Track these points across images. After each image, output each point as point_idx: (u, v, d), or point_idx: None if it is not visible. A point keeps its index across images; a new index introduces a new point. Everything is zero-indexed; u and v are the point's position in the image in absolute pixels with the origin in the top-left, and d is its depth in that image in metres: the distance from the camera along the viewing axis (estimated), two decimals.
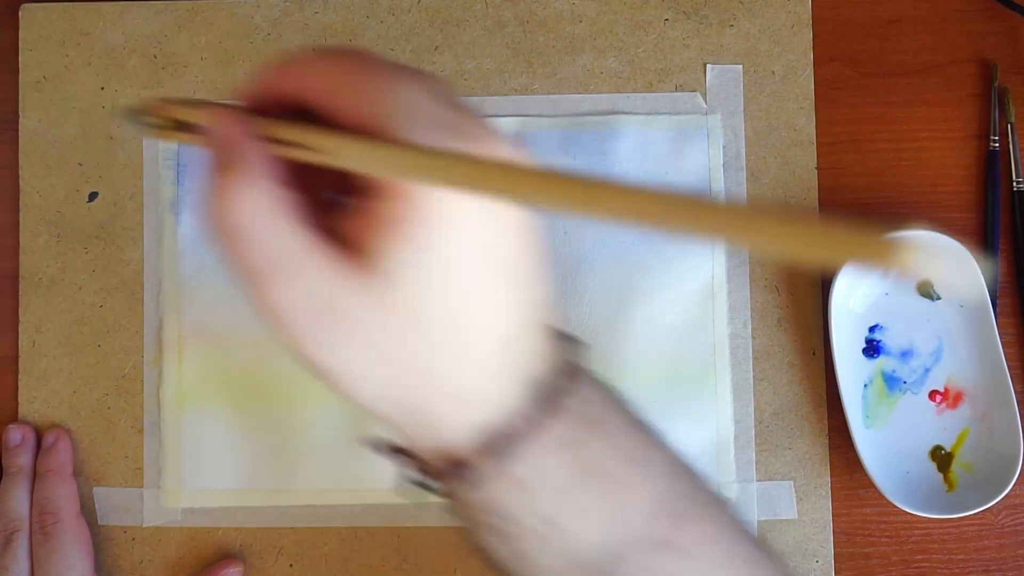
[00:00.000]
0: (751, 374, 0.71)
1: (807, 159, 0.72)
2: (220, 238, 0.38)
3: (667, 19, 0.73)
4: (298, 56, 0.39)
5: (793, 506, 0.70)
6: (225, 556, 0.70)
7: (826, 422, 0.71)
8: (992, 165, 0.72)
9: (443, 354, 0.40)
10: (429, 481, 0.43)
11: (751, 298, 0.71)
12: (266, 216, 0.37)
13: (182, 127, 0.42)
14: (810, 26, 0.73)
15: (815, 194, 0.72)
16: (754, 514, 0.70)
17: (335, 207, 0.39)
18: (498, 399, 0.41)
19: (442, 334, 0.39)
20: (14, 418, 0.71)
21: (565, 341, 0.44)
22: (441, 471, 0.42)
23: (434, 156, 0.35)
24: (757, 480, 0.70)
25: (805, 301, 0.71)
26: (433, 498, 0.43)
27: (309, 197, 0.40)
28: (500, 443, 0.41)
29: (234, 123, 0.39)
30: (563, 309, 0.71)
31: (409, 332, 0.39)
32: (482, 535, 0.43)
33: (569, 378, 0.42)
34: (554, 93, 0.73)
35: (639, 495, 0.42)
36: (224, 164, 0.38)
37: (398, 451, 0.44)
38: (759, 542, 0.46)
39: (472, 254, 0.39)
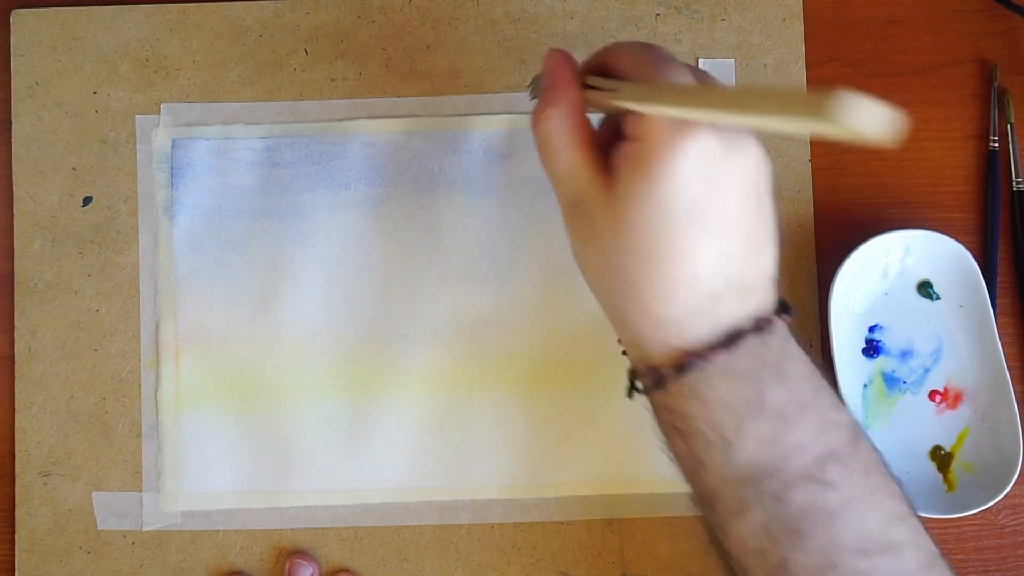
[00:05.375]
0: None
1: (800, 152, 0.72)
2: (536, 141, 0.54)
3: (658, 14, 0.72)
4: (613, 45, 0.55)
5: None
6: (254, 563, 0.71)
7: None
8: (992, 165, 0.71)
9: (651, 283, 0.50)
10: (636, 381, 0.55)
11: None
12: (562, 134, 0.52)
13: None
14: (801, 19, 0.72)
15: (809, 186, 0.72)
16: None
17: (614, 146, 0.52)
18: (689, 331, 0.51)
19: (653, 265, 0.50)
20: (11, 422, 0.71)
21: (768, 300, 0.53)
22: (641, 373, 0.53)
23: (672, 89, 0.49)
24: None
25: (801, 294, 0.71)
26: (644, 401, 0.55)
27: (602, 135, 0.54)
28: (685, 361, 0.51)
29: (562, 70, 0.54)
30: (558, 304, 0.70)
31: (630, 251, 0.50)
32: (668, 435, 0.53)
33: (757, 328, 0.51)
34: None
35: (800, 432, 0.50)
36: (548, 95, 0.53)
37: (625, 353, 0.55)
38: (904, 496, 0.53)
39: (686, 204, 0.48)
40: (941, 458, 0.69)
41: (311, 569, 0.70)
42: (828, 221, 0.72)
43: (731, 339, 0.51)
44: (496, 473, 0.71)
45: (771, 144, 0.71)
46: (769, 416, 0.50)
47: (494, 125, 0.72)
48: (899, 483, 0.53)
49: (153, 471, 0.71)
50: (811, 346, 0.70)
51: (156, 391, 0.71)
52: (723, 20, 0.72)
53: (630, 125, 0.49)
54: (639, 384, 0.55)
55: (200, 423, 0.71)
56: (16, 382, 0.72)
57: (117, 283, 0.72)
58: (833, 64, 0.73)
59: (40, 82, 0.73)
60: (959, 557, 0.70)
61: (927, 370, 0.70)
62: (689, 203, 0.48)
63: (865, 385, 0.70)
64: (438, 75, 0.72)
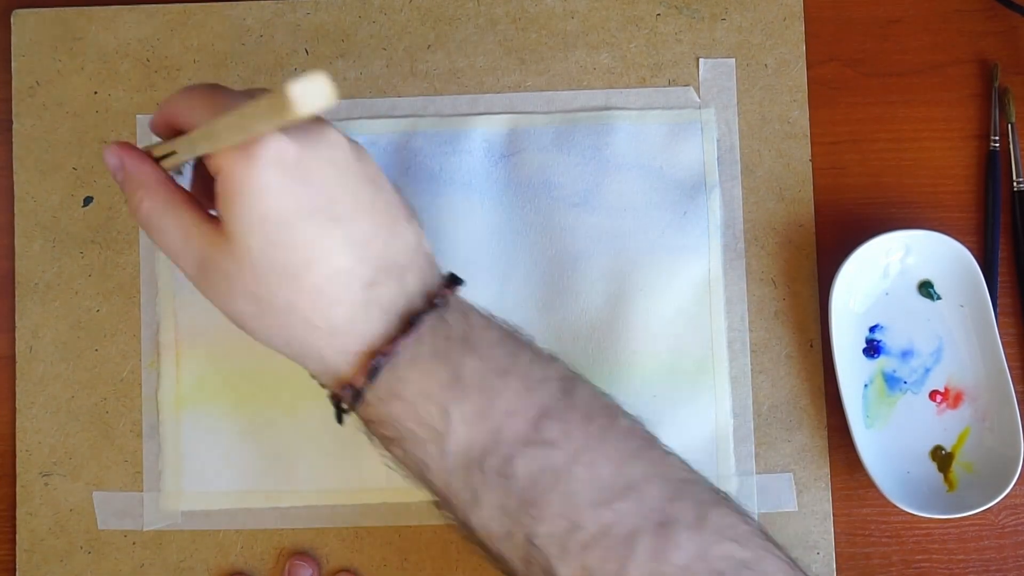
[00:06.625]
0: (749, 367, 0.71)
1: (801, 151, 0.72)
2: (143, 230, 0.54)
3: (659, 14, 0.72)
4: (170, 96, 0.53)
5: (793, 499, 0.70)
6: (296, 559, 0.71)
7: (824, 414, 0.70)
8: (992, 165, 0.71)
9: (305, 295, 0.49)
10: (341, 405, 0.53)
11: (747, 291, 0.71)
12: (158, 209, 0.52)
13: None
14: (802, 19, 0.72)
15: (810, 186, 0.72)
16: (755, 507, 0.70)
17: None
18: (364, 328, 0.50)
19: (297, 278, 0.49)
20: (11, 422, 0.72)
21: (433, 276, 0.53)
22: (339, 394, 0.52)
23: (201, 131, 0.49)
24: (757, 473, 0.70)
25: (801, 293, 0.71)
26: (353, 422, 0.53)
27: (200, 191, 0.55)
28: (372, 363, 0.50)
29: (128, 157, 0.54)
30: (559, 303, 0.70)
31: (270, 278, 0.49)
32: (387, 447, 0.52)
33: (431, 306, 0.51)
34: (547, 90, 0.72)
35: (505, 399, 0.50)
36: (128, 184, 0.53)
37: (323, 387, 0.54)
38: (638, 431, 0.53)
39: (290, 207, 0.48)
40: (942, 458, 0.69)
41: (311, 569, 0.70)
42: (828, 221, 0.72)
43: (409, 323, 0.50)
44: None
45: (772, 145, 0.71)
46: (471, 392, 0.50)
47: (495, 125, 0.72)
48: (633, 418, 0.53)
49: (154, 471, 0.71)
50: (811, 346, 0.71)
51: (157, 391, 0.71)
52: (723, 20, 0.72)
53: (210, 165, 0.49)
54: (345, 406, 0.53)
55: (201, 423, 0.71)
56: (17, 382, 0.72)
57: (118, 283, 0.72)
58: (833, 64, 0.72)
59: (41, 82, 0.73)
60: (960, 557, 0.70)
61: (928, 370, 0.70)
62: (291, 205, 0.48)
63: (866, 385, 0.70)
64: (438, 75, 0.72)
